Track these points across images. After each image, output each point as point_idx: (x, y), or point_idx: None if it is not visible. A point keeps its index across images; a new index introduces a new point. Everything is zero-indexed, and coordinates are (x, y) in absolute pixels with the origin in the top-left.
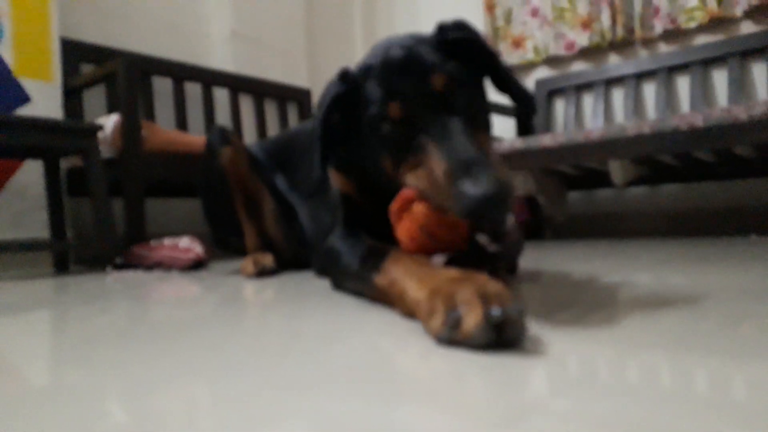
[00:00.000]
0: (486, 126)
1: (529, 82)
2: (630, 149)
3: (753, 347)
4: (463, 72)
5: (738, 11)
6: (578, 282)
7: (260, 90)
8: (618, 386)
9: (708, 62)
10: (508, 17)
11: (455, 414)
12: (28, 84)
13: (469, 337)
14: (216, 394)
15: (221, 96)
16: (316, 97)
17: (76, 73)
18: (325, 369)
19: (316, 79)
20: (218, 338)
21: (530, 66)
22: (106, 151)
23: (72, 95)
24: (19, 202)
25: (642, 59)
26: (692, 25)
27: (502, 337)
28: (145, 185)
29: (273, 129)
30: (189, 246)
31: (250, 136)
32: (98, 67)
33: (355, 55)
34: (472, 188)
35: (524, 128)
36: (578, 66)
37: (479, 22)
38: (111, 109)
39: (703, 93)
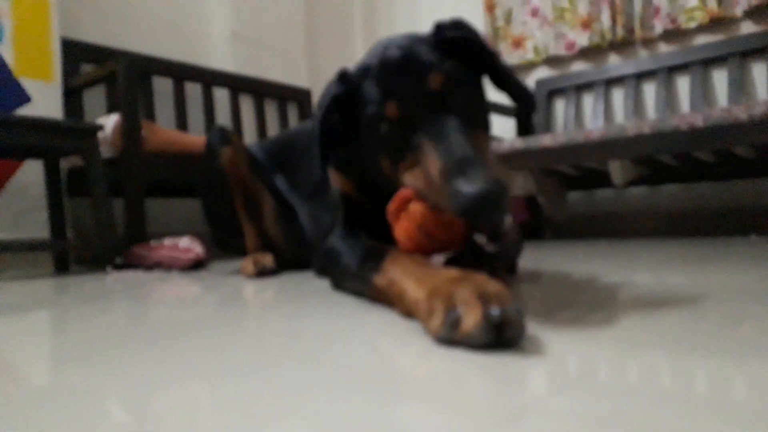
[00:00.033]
0: (484, 125)
1: (530, 82)
2: (630, 149)
3: (753, 347)
4: (460, 71)
5: (738, 11)
6: (578, 282)
7: (260, 90)
8: (617, 386)
9: (708, 62)
10: (508, 17)
11: (455, 413)
12: (29, 84)
13: (469, 337)
14: (216, 394)
15: (221, 96)
16: (316, 98)
17: (77, 73)
18: (325, 369)
19: (316, 79)
20: (218, 338)
21: (530, 66)
22: (106, 151)
23: (72, 95)
24: (19, 202)
25: (642, 59)
26: (692, 25)
27: (502, 337)
28: (145, 185)
29: (273, 129)
30: (189, 246)
31: (250, 136)
32: (98, 67)
33: (355, 55)
34: (467, 187)
35: (524, 128)
36: (578, 66)
37: (479, 22)
38: (111, 109)
39: (703, 93)
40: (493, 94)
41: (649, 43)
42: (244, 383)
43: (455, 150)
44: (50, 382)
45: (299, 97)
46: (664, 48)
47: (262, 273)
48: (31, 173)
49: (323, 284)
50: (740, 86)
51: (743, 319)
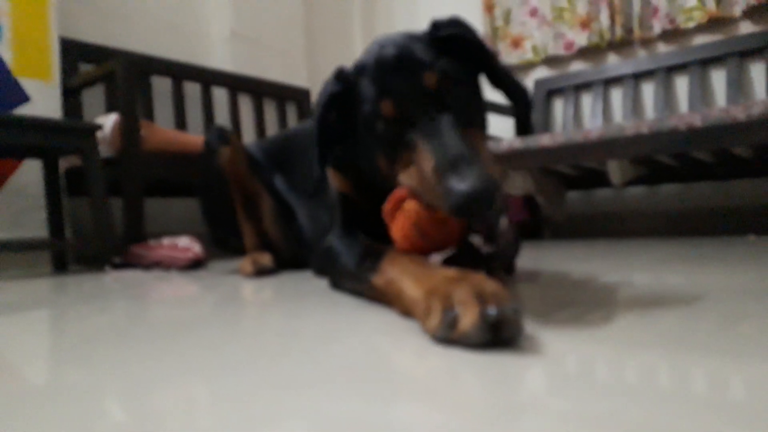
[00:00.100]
0: (481, 123)
1: (528, 82)
2: (628, 149)
3: (752, 347)
4: (456, 69)
5: (737, 11)
6: (576, 281)
7: (259, 90)
8: (616, 386)
9: (706, 62)
10: (507, 17)
11: (452, 412)
12: (27, 84)
13: (466, 337)
14: (215, 393)
15: (220, 96)
16: (315, 97)
17: (75, 72)
18: (324, 368)
19: (315, 78)
20: (217, 338)
21: (529, 66)
22: (105, 151)
23: (71, 95)
24: (18, 202)
25: (641, 59)
26: (691, 25)
27: (499, 336)
28: (144, 185)
29: (272, 129)
30: (188, 245)
31: (249, 135)
32: (97, 67)
33: (355, 54)
34: (459, 185)
35: (523, 128)
36: (577, 66)
37: (478, 22)
38: (110, 109)
39: (701, 93)
40: (493, 94)
41: (647, 43)
42: (243, 382)
43: (448, 148)
44: (49, 382)
45: (298, 96)
46: (662, 48)
47: (260, 272)
48: (29, 173)
49: (322, 284)
50: (739, 86)
51: (742, 318)
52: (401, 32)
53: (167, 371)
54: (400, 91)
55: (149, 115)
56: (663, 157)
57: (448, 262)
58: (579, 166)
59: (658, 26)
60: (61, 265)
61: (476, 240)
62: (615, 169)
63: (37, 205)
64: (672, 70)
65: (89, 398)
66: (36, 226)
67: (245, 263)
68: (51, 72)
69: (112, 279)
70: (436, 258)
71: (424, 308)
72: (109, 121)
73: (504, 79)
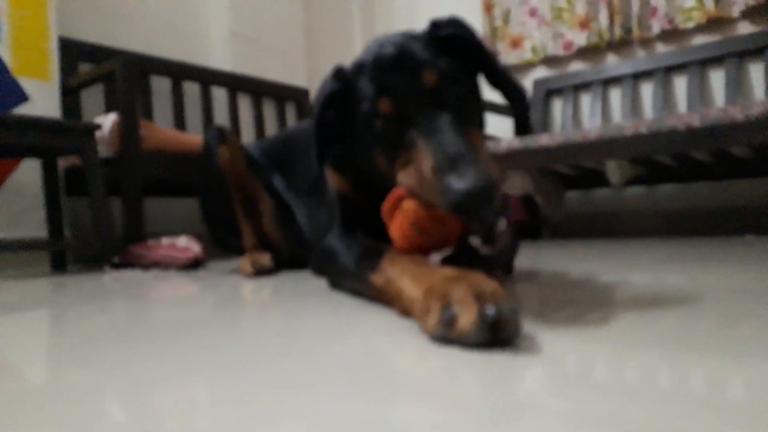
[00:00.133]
0: (479, 122)
1: (527, 82)
2: (627, 149)
3: (751, 346)
4: (455, 68)
5: (735, 11)
6: (575, 281)
7: (259, 90)
8: (614, 385)
9: (705, 62)
10: (507, 17)
11: (451, 412)
12: (27, 83)
13: (464, 336)
14: (215, 393)
15: (219, 95)
16: (314, 97)
17: (74, 72)
18: (324, 368)
19: (314, 78)
20: (217, 338)
21: (528, 66)
22: (104, 151)
23: (70, 94)
24: (16, 202)
25: (639, 59)
26: (690, 25)
27: (497, 335)
28: (143, 184)
29: (271, 129)
30: (187, 245)
31: (248, 135)
32: (96, 67)
33: (354, 54)
34: (458, 183)
35: (522, 128)
36: (576, 66)
37: (477, 22)
38: (109, 109)
39: (700, 93)
40: (492, 93)
41: (646, 43)
42: (243, 382)
43: (447, 146)
44: (49, 382)
45: (298, 96)
46: (661, 48)
47: (259, 272)
48: (28, 172)
49: (321, 283)
50: (737, 86)
51: (741, 318)
52: (400, 32)
53: (167, 371)
54: (399, 90)
55: (148, 115)
56: (662, 157)
57: (446, 261)
58: (578, 166)
59: (656, 26)
60: (60, 265)
61: (475, 242)
62: (614, 169)
63: (36, 204)
64: (671, 70)
65: (89, 398)
66: (35, 226)
67: (244, 263)
68: (50, 72)
69: (112, 279)
70: (435, 258)
71: (423, 307)
72: (108, 121)
73: (502, 80)
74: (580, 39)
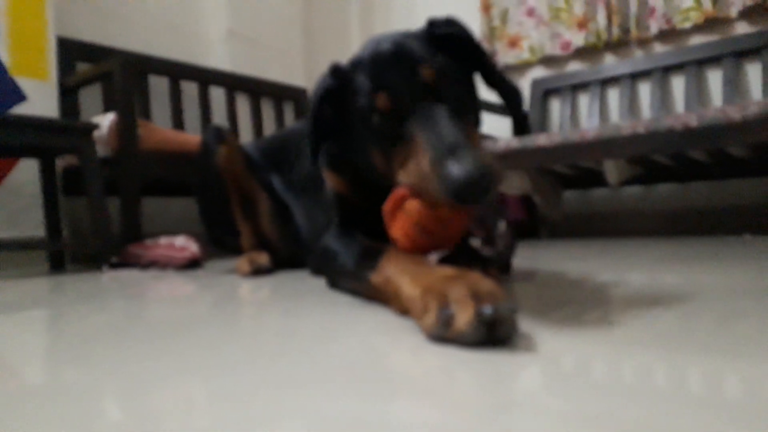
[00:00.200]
0: (475, 120)
1: (525, 81)
2: (625, 149)
3: (748, 346)
4: (451, 65)
5: (733, 12)
6: (573, 281)
7: (257, 89)
8: (611, 384)
9: (703, 62)
10: (504, 17)
11: (448, 410)
12: (24, 83)
13: (461, 335)
14: (213, 392)
15: (218, 95)
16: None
17: (72, 71)
18: (322, 367)
19: (313, 78)
20: (215, 337)
21: (526, 66)
22: (102, 150)
23: (68, 94)
24: (14, 201)
25: (637, 59)
26: (687, 25)
27: (494, 334)
28: (141, 184)
29: (269, 128)
30: (185, 245)
31: (246, 135)
32: (94, 66)
33: (352, 54)
34: (456, 170)
35: (520, 128)
36: (574, 66)
37: (475, 22)
38: (107, 108)
39: (697, 93)
40: (489, 94)
41: (644, 43)
42: (241, 382)
43: (444, 137)
44: (46, 381)
45: (296, 96)
46: (659, 48)
47: (257, 272)
48: (26, 172)
49: (319, 283)
50: (735, 86)
51: (738, 317)
52: (398, 31)
53: (165, 371)
54: (396, 84)
55: (146, 115)
56: (659, 157)
57: (445, 260)
58: (576, 166)
59: (654, 26)
60: (58, 265)
61: (475, 242)
62: (611, 169)
63: (34, 204)
64: (668, 70)
65: (87, 398)
66: (33, 226)
67: (242, 263)
68: (48, 71)
69: (109, 278)
70: (433, 257)
71: (421, 306)
72: (106, 121)
73: (498, 80)
74: (578, 39)
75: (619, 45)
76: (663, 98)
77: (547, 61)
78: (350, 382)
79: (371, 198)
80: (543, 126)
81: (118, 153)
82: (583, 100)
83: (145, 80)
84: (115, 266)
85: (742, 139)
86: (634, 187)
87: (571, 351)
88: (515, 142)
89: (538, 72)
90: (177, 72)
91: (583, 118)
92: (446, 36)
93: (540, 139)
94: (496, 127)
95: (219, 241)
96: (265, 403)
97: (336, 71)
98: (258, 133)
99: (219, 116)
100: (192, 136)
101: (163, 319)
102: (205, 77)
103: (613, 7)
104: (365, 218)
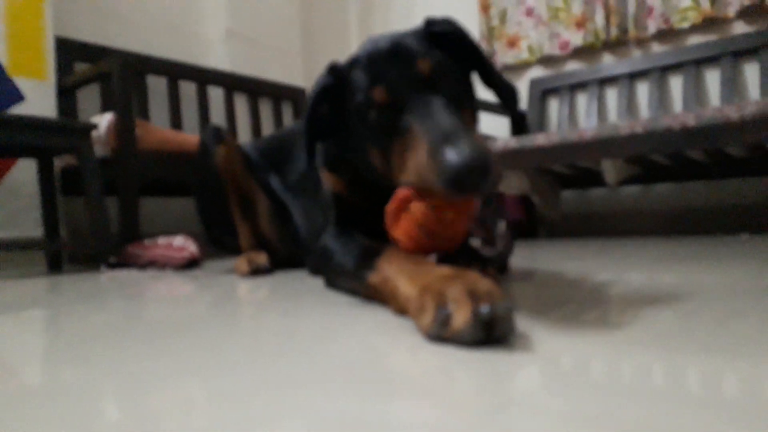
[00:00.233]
0: (472, 114)
1: (524, 81)
2: (623, 149)
3: (745, 345)
4: (448, 61)
5: (731, 11)
6: (571, 280)
7: (255, 89)
8: (609, 384)
9: (701, 62)
10: (503, 17)
11: (446, 409)
12: (22, 82)
13: (458, 335)
14: (212, 392)
15: (216, 95)
16: None
17: (70, 71)
18: (320, 367)
19: (311, 78)
20: (213, 337)
21: (525, 65)
22: (100, 150)
23: (66, 94)
24: (12, 201)
25: (635, 59)
26: (685, 25)
27: (491, 334)
28: (140, 184)
29: (268, 128)
30: (183, 245)
31: (245, 135)
32: (92, 66)
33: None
34: (453, 156)
35: (518, 127)
36: (572, 65)
37: (474, 22)
38: (105, 108)
39: (695, 93)
40: (487, 93)
41: (642, 42)
42: (240, 382)
43: (441, 125)
44: (45, 381)
45: (294, 96)
46: (657, 48)
47: (256, 272)
48: (24, 172)
49: (317, 283)
50: (732, 86)
51: (736, 316)
52: (396, 31)
53: (164, 371)
54: (393, 78)
55: (145, 115)
56: (657, 157)
57: (444, 260)
58: (574, 166)
59: (652, 26)
60: (56, 265)
61: (476, 243)
62: (610, 169)
63: (32, 204)
64: (666, 69)
65: (86, 398)
66: (31, 226)
67: (241, 263)
68: (46, 71)
69: (108, 278)
70: (432, 256)
71: (418, 306)
72: (104, 121)
73: (495, 78)
74: (576, 39)
75: (617, 45)
76: (661, 98)
77: (546, 60)
78: (349, 382)
79: (369, 197)
80: (541, 126)
81: (117, 153)
82: (582, 99)
83: (143, 80)
84: (113, 266)
85: (739, 138)
86: (633, 187)
87: (569, 351)
88: (513, 142)
89: (537, 72)
90: (175, 72)
91: (582, 118)
92: (444, 34)
93: (538, 139)
94: (494, 126)
95: (217, 241)
96: (265, 403)
97: (333, 70)
98: (256, 133)
99: (217, 116)
100: (190, 136)
101: (162, 319)
102: (204, 77)
103: (612, 7)
104: (363, 218)
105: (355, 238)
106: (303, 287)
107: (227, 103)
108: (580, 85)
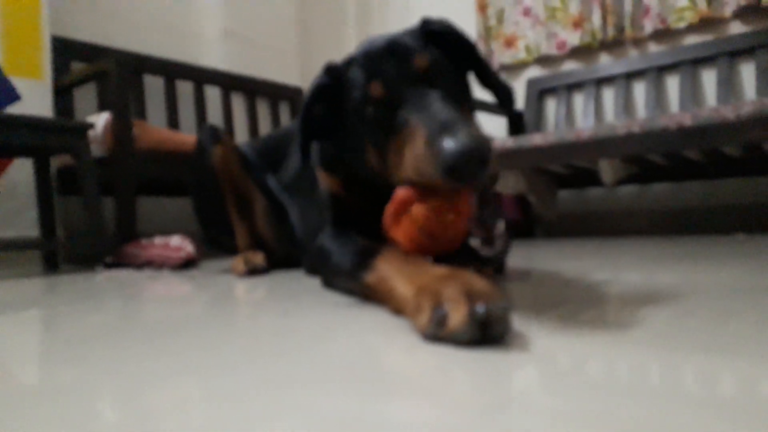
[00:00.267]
0: (469, 114)
1: (521, 81)
2: (620, 148)
3: (741, 344)
4: (445, 60)
5: (727, 12)
6: (568, 280)
7: (252, 88)
8: (606, 383)
9: (697, 62)
10: (501, 17)
11: (443, 408)
12: (19, 82)
13: (455, 334)
14: (209, 392)
15: (213, 94)
16: None
17: (67, 71)
18: (318, 366)
19: (308, 78)
20: (211, 337)
21: (522, 65)
22: (96, 150)
23: (62, 93)
24: (9, 201)
25: (632, 59)
26: (682, 25)
27: (487, 334)
28: (136, 184)
29: (265, 128)
30: (180, 245)
31: (241, 134)
32: (89, 65)
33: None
34: (450, 144)
35: (515, 127)
36: (569, 65)
37: (472, 22)
38: (102, 108)
39: (692, 93)
40: (484, 93)
41: (639, 42)
42: (238, 381)
43: (439, 117)
44: (42, 381)
45: (291, 95)
46: (654, 48)
47: (253, 272)
48: (21, 172)
49: (314, 283)
50: (729, 86)
51: (732, 316)
52: (390, 33)
53: (162, 370)
54: (389, 73)
55: (141, 114)
56: (654, 156)
57: (442, 260)
58: (571, 166)
59: (649, 26)
60: (52, 265)
61: (475, 243)
62: (606, 168)
63: (28, 204)
64: (663, 69)
65: (83, 398)
66: (27, 226)
67: (238, 262)
68: (42, 70)
69: (104, 278)
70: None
71: (415, 306)
72: (101, 120)
73: (491, 79)
74: (573, 39)
75: (614, 45)
76: (658, 98)
77: (543, 60)
78: (347, 382)
79: (365, 197)
80: (538, 126)
81: (113, 153)
82: (579, 99)
83: (140, 79)
84: (110, 266)
85: (736, 138)
86: (629, 187)
87: (566, 350)
88: (510, 142)
89: (534, 72)
90: (172, 71)
91: (579, 118)
92: (440, 34)
93: (535, 139)
94: (491, 126)
95: (214, 241)
96: (263, 403)
97: (330, 70)
98: (253, 132)
99: (214, 116)
100: (187, 136)
101: (160, 319)
102: (201, 77)
103: (608, 7)
104: (359, 217)
105: (352, 238)
106: (300, 287)
107: (224, 102)
108: (577, 85)
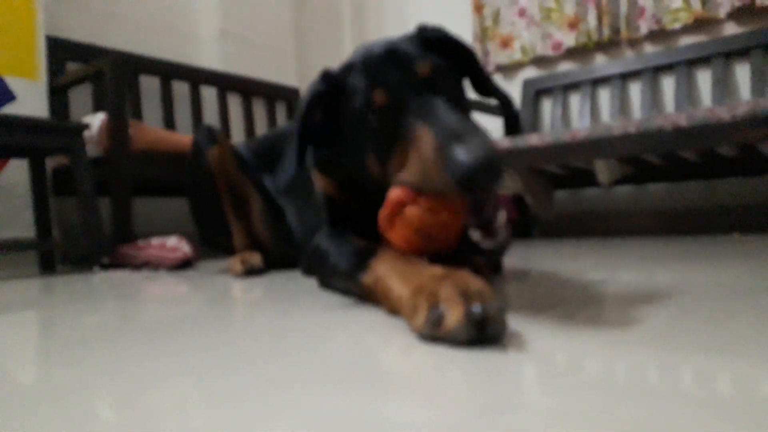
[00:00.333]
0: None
1: (517, 82)
2: (616, 149)
3: (738, 343)
4: (444, 65)
5: (722, 12)
6: (565, 280)
7: (249, 89)
8: (603, 383)
9: (692, 63)
10: (496, 17)
11: (440, 407)
12: (14, 82)
13: (451, 334)
14: (207, 392)
15: (209, 95)
16: None
17: (62, 71)
18: (315, 366)
19: (305, 78)
20: (208, 337)
21: (518, 66)
22: (92, 151)
23: (58, 94)
24: (4, 202)
25: (628, 59)
26: (677, 26)
27: (484, 333)
28: (133, 184)
29: (261, 128)
30: (176, 245)
31: (238, 135)
32: (85, 66)
33: (344, 54)
34: (463, 155)
35: (512, 128)
36: (565, 66)
37: (468, 22)
38: (97, 108)
39: (687, 93)
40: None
41: (634, 43)
42: (235, 381)
43: (448, 123)
44: (40, 382)
45: (288, 96)
46: (649, 48)
47: (250, 272)
48: (16, 172)
49: (311, 283)
50: (724, 86)
51: (728, 315)
52: (387, 37)
53: (159, 371)
54: (392, 80)
55: (137, 115)
56: (650, 157)
57: (440, 257)
58: (567, 166)
59: (644, 27)
60: (48, 266)
61: (475, 236)
62: (602, 169)
63: (24, 205)
64: (658, 70)
65: (81, 399)
66: (23, 226)
67: (234, 263)
68: (38, 70)
69: (101, 279)
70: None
71: (411, 306)
72: (96, 121)
73: (490, 84)
74: (568, 39)
75: (609, 45)
76: (653, 98)
77: (539, 61)
78: (344, 382)
79: (360, 199)
80: (534, 126)
81: (109, 153)
82: (574, 100)
83: (136, 80)
84: (106, 267)
85: (731, 138)
86: (626, 187)
87: (563, 350)
88: (507, 142)
89: (530, 72)
90: (168, 72)
91: (575, 118)
92: (436, 40)
93: (531, 139)
94: (487, 127)
95: (211, 242)
96: (260, 402)
97: (327, 76)
98: (250, 133)
99: (210, 116)
100: (183, 136)
101: (157, 319)
102: (197, 77)
103: (604, 8)
104: (355, 218)
105: (348, 239)
106: (297, 287)
107: (220, 103)
108: (572, 86)
